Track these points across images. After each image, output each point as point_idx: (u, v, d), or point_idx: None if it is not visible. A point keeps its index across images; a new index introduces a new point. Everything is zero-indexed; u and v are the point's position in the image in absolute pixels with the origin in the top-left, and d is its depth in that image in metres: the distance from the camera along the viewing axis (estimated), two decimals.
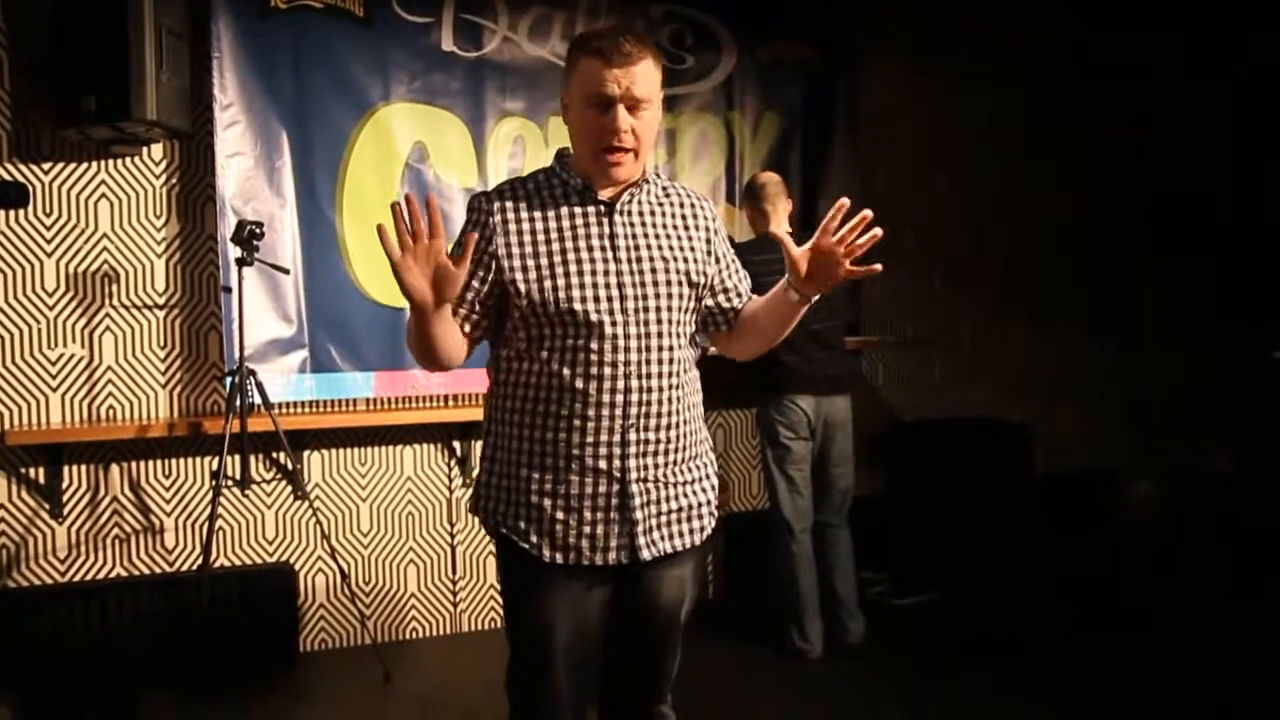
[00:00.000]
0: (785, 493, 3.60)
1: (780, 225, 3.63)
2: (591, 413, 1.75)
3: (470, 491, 1.91)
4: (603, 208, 1.82)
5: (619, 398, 1.75)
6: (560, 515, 1.76)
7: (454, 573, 3.97)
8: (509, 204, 1.81)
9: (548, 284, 1.75)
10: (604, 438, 1.75)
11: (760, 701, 3.27)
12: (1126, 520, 5.23)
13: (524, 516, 1.78)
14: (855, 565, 3.75)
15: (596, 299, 1.75)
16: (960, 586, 4.22)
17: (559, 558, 1.77)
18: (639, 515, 1.78)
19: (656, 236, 1.84)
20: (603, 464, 1.76)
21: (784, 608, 3.61)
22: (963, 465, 4.44)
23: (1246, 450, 5.24)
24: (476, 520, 1.90)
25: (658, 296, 1.80)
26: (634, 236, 1.82)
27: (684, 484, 1.85)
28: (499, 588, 1.90)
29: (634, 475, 1.77)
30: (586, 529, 1.77)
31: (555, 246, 1.78)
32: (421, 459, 3.91)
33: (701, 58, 4.21)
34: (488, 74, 3.87)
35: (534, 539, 1.78)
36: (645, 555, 1.79)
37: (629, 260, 1.79)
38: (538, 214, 1.80)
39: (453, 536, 3.96)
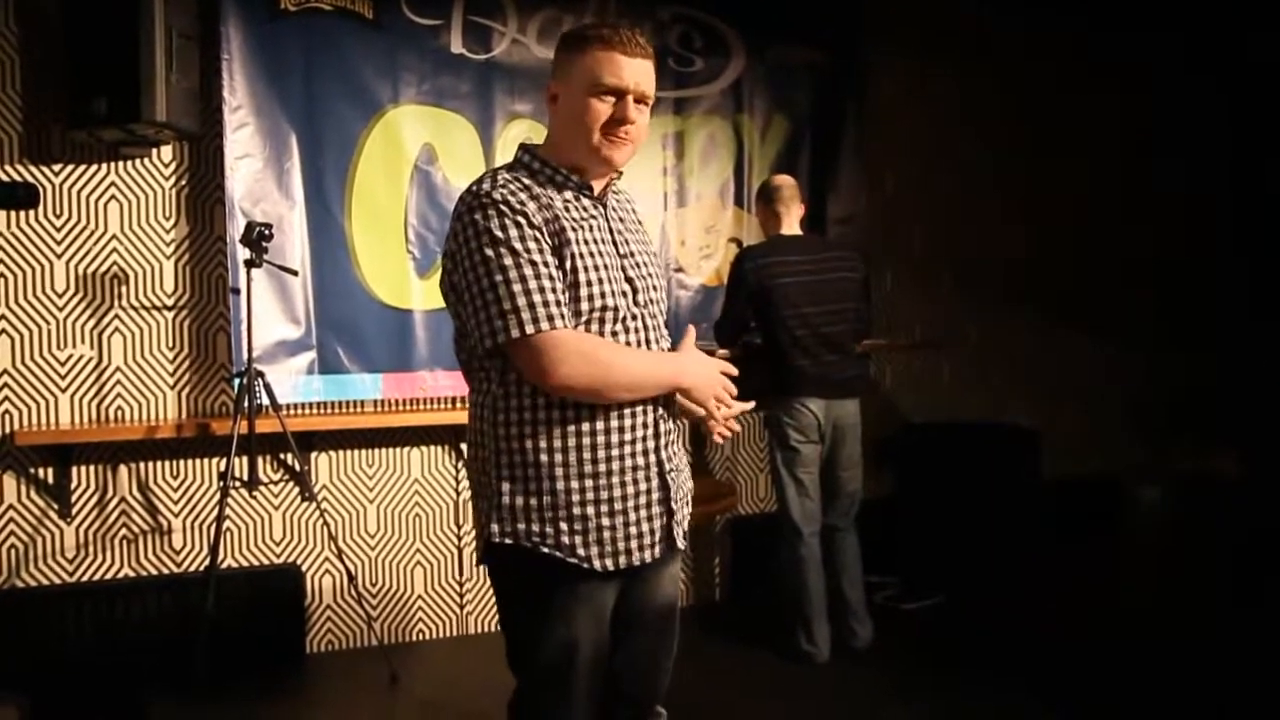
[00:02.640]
0: (794, 496, 3.59)
1: (792, 228, 3.63)
2: (627, 409, 1.73)
3: (479, 512, 1.78)
4: (597, 202, 1.80)
5: None
6: (606, 520, 1.71)
7: (461, 574, 3.97)
8: (526, 198, 1.68)
9: (583, 276, 1.70)
10: (640, 433, 1.74)
11: (767, 705, 3.27)
12: (1133, 524, 5.23)
13: (569, 530, 1.70)
14: (863, 569, 3.75)
15: (616, 292, 1.73)
16: (968, 590, 4.22)
17: (609, 564, 1.72)
18: (674, 505, 1.80)
19: (634, 232, 1.87)
20: (640, 459, 1.74)
21: (791, 611, 3.61)
22: (970, 469, 4.44)
23: (1251, 452, 5.24)
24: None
25: (654, 289, 1.83)
26: (623, 231, 1.83)
27: (684, 470, 1.90)
28: (512, 615, 1.80)
29: (667, 466, 1.79)
30: (633, 529, 1.74)
31: (574, 235, 1.71)
32: (429, 461, 3.91)
33: (710, 60, 4.21)
34: (497, 76, 3.87)
35: (582, 551, 1.71)
36: (681, 544, 1.82)
37: (629, 254, 1.80)
38: (549, 206, 1.71)
39: (460, 538, 3.96)
